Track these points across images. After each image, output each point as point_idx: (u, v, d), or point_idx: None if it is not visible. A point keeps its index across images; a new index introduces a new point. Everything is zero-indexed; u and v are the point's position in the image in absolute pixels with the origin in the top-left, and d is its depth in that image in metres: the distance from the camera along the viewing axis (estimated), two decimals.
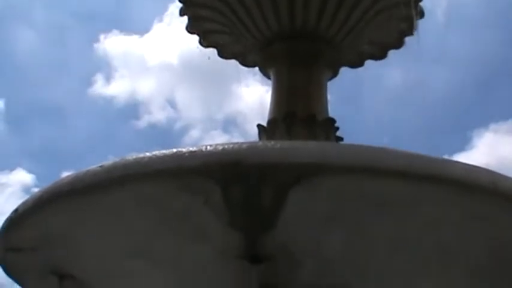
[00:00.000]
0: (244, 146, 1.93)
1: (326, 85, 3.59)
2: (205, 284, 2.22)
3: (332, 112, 3.51)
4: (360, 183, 1.95)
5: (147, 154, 1.98)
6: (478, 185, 1.96)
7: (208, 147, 1.94)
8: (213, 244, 2.12)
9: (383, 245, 2.10)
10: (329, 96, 3.60)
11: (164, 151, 1.97)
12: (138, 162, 1.97)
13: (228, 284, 2.19)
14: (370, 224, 2.05)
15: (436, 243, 2.12)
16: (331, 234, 2.06)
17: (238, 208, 1.99)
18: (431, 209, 2.02)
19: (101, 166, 2.03)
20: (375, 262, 2.14)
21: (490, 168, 2.06)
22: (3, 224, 2.31)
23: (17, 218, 2.24)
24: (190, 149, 1.96)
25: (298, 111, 3.33)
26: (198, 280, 2.23)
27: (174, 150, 1.97)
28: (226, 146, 1.94)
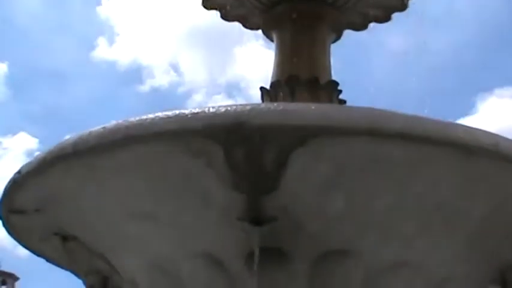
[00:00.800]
0: (247, 107, 1.92)
1: (329, 48, 3.57)
2: (208, 246, 2.23)
3: (335, 76, 3.49)
4: (362, 145, 1.95)
5: (150, 116, 1.98)
6: (479, 147, 1.96)
7: (211, 109, 1.94)
8: (215, 206, 2.13)
9: (384, 206, 2.10)
10: (332, 60, 3.58)
11: (167, 112, 1.97)
12: (140, 124, 1.97)
13: (230, 246, 2.20)
14: (372, 186, 2.06)
15: (436, 204, 2.13)
16: (333, 196, 2.07)
17: (240, 170, 1.99)
18: (432, 170, 2.03)
19: (103, 127, 2.03)
20: (376, 223, 2.15)
21: (494, 132, 2.06)
22: (6, 186, 2.32)
23: (20, 179, 2.25)
24: (193, 110, 1.96)
25: (301, 73, 3.32)
26: (200, 242, 2.23)
27: (177, 112, 1.97)
28: (229, 108, 1.94)
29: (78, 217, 2.36)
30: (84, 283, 2.71)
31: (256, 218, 2.07)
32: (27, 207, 2.37)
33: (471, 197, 2.15)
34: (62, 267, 2.79)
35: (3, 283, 58.13)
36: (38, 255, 2.74)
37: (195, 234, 2.23)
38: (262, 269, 2.10)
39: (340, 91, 3.43)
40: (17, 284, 58.87)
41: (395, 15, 3.94)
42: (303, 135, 1.91)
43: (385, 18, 3.92)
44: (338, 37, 3.71)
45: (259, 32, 3.84)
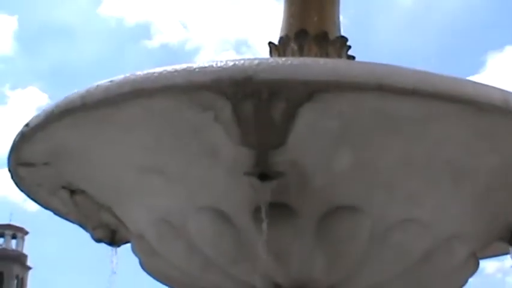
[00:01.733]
0: (255, 62, 1.91)
1: (339, 3, 3.53)
2: (215, 200, 2.23)
3: (343, 32, 3.46)
4: (370, 101, 1.94)
5: (157, 69, 1.96)
6: (489, 103, 1.95)
7: (219, 63, 1.92)
8: (222, 161, 2.13)
9: (392, 162, 2.10)
10: (341, 17, 3.54)
11: (174, 66, 1.96)
12: (148, 78, 1.96)
13: (238, 201, 2.21)
14: (380, 142, 2.05)
15: (445, 161, 2.12)
16: (340, 152, 2.06)
17: (248, 124, 1.98)
18: (441, 127, 2.02)
19: (111, 81, 2.02)
20: (384, 179, 2.14)
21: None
22: (15, 139, 2.32)
23: (28, 132, 2.25)
24: (201, 64, 1.95)
25: (310, 28, 3.28)
26: (207, 196, 2.24)
27: (184, 65, 1.96)
28: (237, 62, 1.93)
29: (86, 171, 2.36)
30: (92, 236, 2.73)
31: (263, 173, 2.07)
32: (35, 160, 2.38)
33: (480, 154, 2.14)
34: (71, 221, 2.80)
35: (13, 237, 58.73)
36: (47, 208, 2.75)
37: (202, 188, 2.23)
38: (269, 224, 2.11)
39: (349, 47, 3.40)
40: (27, 237, 59.49)
41: None
42: (311, 90, 1.90)
43: None
44: None
45: None
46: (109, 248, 2.70)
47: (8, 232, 58.56)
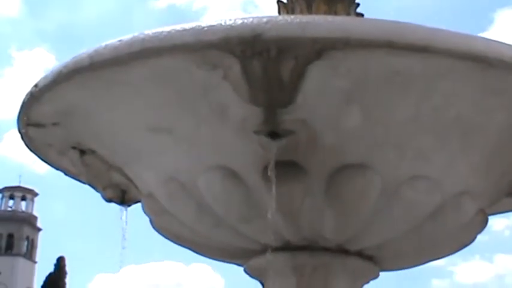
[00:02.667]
0: (264, 19, 1.90)
1: None
2: (225, 159, 2.24)
3: None
4: (380, 58, 1.93)
5: (166, 28, 1.96)
6: (499, 60, 1.94)
7: (228, 21, 1.92)
8: (231, 119, 2.13)
9: (402, 119, 2.10)
10: None
11: (183, 25, 1.95)
12: (156, 36, 1.95)
13: (247, 159, 2.21)
14: (389, 99, 2.05)
15: (454, 118, 2.12)
16: (350, 110, 2.06)
17: (257, 83, 1.98)
18: (451, 84, 2.01)
19: (119, 40, 2.02)
20: (393, 137, 2.14)
21: None
22: (24, 99, 2.33)
23: (37, 92, 2.25)
24: (209, 23, 1.94)
25: None
26: (217, 155, 2.25)
27: (193, 24, 1.96)
28: (246, 20, 1.92)
29: (95, 130, 2.37)
30: (103, 196, 2.75)
31: (272, 131, 2.07)
32: (44, 121, 2.38)
33: (489, 111, 2.13)
34: (81, 181, 2.82)
35: (23, 199, 59.13)
36: (57, 169, 2.77)
37: (211, 147, 2.24)
38: (278, 182, 2.12)
39: (358, 5, 3.38)
40: (36, 199, 59.92)
41: None
42: (320, 48, 1.90)
43: None
44: None
45: None
46: (119, 208, 2.72)
47: (18, 194, 58.97)
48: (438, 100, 2.07)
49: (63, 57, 2.19)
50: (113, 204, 2.74)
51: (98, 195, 2.77)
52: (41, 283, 43.83)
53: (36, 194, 59.42)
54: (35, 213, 59.31)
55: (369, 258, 2.53)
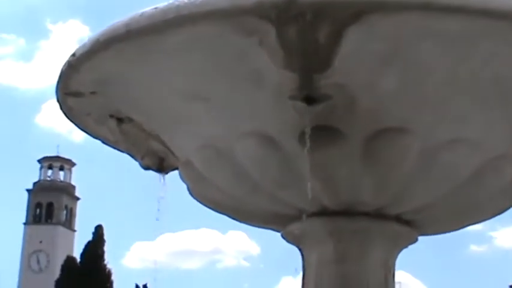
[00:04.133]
0: None
1: None
2: (261, 126, 2.24)
3: None
4: (417, 20, 1.91)
5: None
6: None
7: None
8: (267, 85, 2.13)
9: (439, 82, 2.08)
10: None
11: None
12: (192, 3, 1.95)
13: (283, 125, 2.21)
14: (427, 62, 2.03)
15: (493, 79, 2.09)
16: (387, 73, 2.05)
17: (293, 48, 1.97)
18: (489, 44, 1.98)
19: (155, 8, 2.02)
20: (431, 99, 2.13)
21: None
22: (62, 69, 2.34)
23: (75, 62, 2.26)
24: None
25: None
26: (253, 121, 2.25)
27: None
28: None
29: (133, 99, 2.38)
30: (141, 164, 2.77)
31: (309, 96, 2.07)
32: (82, 90, 2.40)
33: None
34: (119, 150, 2.84)
35: (61, 168, 59.83)
36: (95, 137, 2.78)
37: (247, 114, 2.24)
38: (315, 147, 2.12)
39: None
40: (74, 169, 60.59)
41: None
42: (357, 11, 1.88)
43: None
44: None
45: None
46: (157, 176, 2.74)
47: (56, 164, 59.68)
48: (476, 61, 2.04)
49: (97, 29, 2.20)
50: (150, 172, 2.76)
51: (136, 163, 2.80)
52: (81, 251, 44.46)
53: (74, 164, 60.06)
54: (73, 182, 60.04)
55: (407, 222, 2.52)
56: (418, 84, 2.07)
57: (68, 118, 2.63)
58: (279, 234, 2.69)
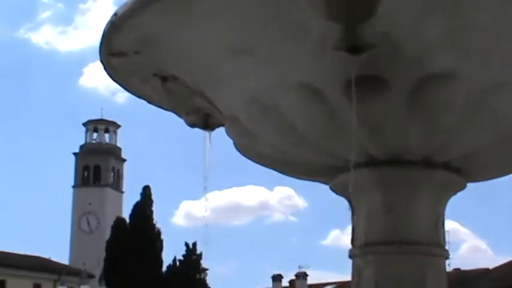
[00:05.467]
0: None
1: None
2: (305, 77, 2.23)
3: None
4: None
5: None
6: None
7: None
8: (311, 37, 2.11)
9: (485, 26, 2.04)
10: None
11: None
12: None
13: (328, 76, 2.20)
14: (472, 5, 1.99)
15: None
16: (432, 20, 2.01)
17: None
18: None
19: None
20: (477, 44, 2.09)
21: None
22: (105, 29, 2.35)
23: (117, 21, 2.26)
24: None
25: None
26: (297, 74, 2.24)
27: None
28: None
29: (177, 57, 2.38)
30: (186, 122, 2.77)
31: (353, 46, 2.05)
32: (126, 49, 2.41)
33: None
34: (164, 108, 2.85)
35: (106, 131, 60.46)
36: (140, 97, 2.80)
37: (292, 66, 2.23)
38: (360, 97, 2.11)
39: None
40: (119, 131, 61.19)
41: None
42: None
43: None
44: None
45: None
46: (202, 134, 2.74)
47: (101, 127, 60.26)
48: None
49: None
50: (195, 131, 2.76)
51: (180, 122, 2.80)
52: (129, 212, 45.09)
53: (118, 126, 60.64)
54: (118, 144, 60.68)
55: (455, 170, 2.51)
56: (464, 28, 2.04)
57: (113, 79, 2.65)
58: (326, 188, 2.70)
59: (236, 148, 2.74)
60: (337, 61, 2.11)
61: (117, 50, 2.41)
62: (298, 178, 2.93)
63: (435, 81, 2.14)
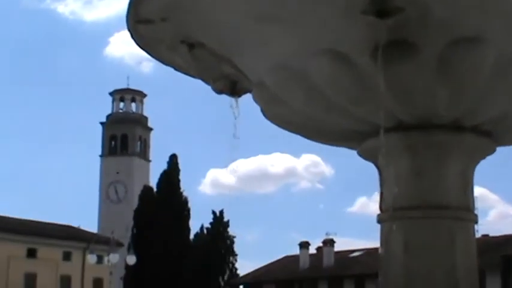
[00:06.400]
0: None
1: None
2: (333, 42, 2.22)
3: None
4: None
5: None
6: None
7: None
8: (338, 2, 2.10)
9: None
10: None
11: None
12: None
13: (356, 41, 2.19)
14: None
15: None
16: None
17: None
18: None
19: None
20: (507, 6, 2.07)
21: None
22: None
23: None
24: None
25: None
26: (325, 39, 2.23)
27: None
28: None
29: (204, 23, 2.38)
30: (213, 89, 2.78)
31: (381, 10, 2.04)
32: (153, 17, 2.41)
33: None
34: (191, 76, 2.85)
35: (133, 100, 60.67)
36: (167, 64, 2.80)
37: (319, 31, 2.22)
38: (388, 62, 2.10)
39: None
40: (145, 100, 61.39)
41: None
42: None
43: None
44: None
45: None
46: (228, 102, 2.74)
47: (128, 96, 60.46)
48: None
49: None
50: (221, 100, 2.76)
51: (206, 91, 2.80)
52: (156, 181, 45.40)
53: (144, 95, 60.82)
54: (145, 113, 60.90)
55: (485, 133, 2.49)
56: None
57: (140, 46, 2.65)
58: (353, 155, 2.70)
59: (263, 114, 2.74)
60: (365, 25, 2.10)
61: (144, 17, 2.42)
62: (326, 144, 2.92)
63: (464, 44, 2.12)
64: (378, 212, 2.57)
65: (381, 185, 2.57)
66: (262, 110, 2.73)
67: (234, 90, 2.74)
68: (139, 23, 2.47)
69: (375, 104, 2.22)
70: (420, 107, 2.34)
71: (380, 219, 2.55)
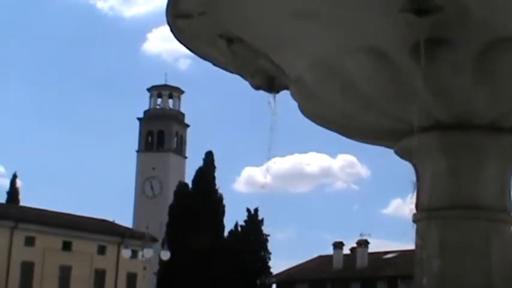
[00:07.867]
0: None
1: None
2: (372, 40, 2.22)
3: None
4: None
5: None
6: None
7: None
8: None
9: None
10: None
11: None
12: None
13: (395, 39, 2.19)
14: None
15: None
16: None
17: None
18: None
19: None
20: None
21: None
22: None
23: None
24: None
25: None
26: (363, 36, 2.23)
27: None
28: None
29: (243, 18, 2.39)
30: (251, 84, 2.78)
31: (420, 8, 2.03)
32: (192, 11, 2.43)
33: None
34: (229, 71, 2.86)
35: (170, 96, 60.92)
36: (205, 59, 2.81)
37: (358, 29, 2.22)
38: (427, 60, 2.09)
39: None
40: (183, 96, 61.62)
41: None
42: None
43: None
44: None
45: None
46: (266, 100, 2.74)
47: (165, 92, 60.70)
48: None
49: None
50: (258, 97, 2.76)
51: (243, 88, 2.81)
52: (192, 177, 45.48)
53: (182, 92, 61.02)
54: (182, 110, 61.14)
55: None
56: None
57: (179, 40, 2.67)
58: (389, 157, 2.68)
59: (301, 111, 2.74)
60: (404, 23, 2.09)
61: (183, 11, 2.44)
62: (363, 142, 2.91)
63: (504, 44, 2.10)
64: (414, 212, 2.56)
65: (417, 185, 2.55)
66: (299, 107, 2.73)
67: (272, 86, 2.74)
68: (178, 17, 2.49)
69: (412, 102, 2.21)
70: (458, 107, 2.32)
71: (416, 219, 2.53)
